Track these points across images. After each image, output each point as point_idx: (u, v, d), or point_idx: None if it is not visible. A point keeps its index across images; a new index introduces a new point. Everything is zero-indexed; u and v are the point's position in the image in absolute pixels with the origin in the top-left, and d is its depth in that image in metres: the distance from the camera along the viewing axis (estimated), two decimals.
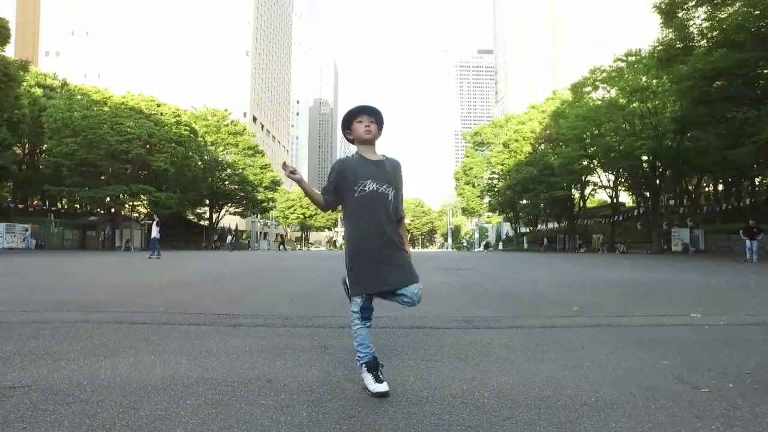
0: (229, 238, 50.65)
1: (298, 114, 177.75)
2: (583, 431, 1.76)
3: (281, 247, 54.38)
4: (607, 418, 1.88)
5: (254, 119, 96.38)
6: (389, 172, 2.28)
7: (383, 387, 2.12)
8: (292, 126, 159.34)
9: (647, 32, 29.30)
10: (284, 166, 2.36)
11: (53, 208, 39.67)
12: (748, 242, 17.27)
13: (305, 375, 2.46)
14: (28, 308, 4.71)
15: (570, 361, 2.78)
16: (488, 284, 8.13)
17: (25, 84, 33.37)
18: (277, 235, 70.11)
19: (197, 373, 2.46)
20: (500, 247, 64.34)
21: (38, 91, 37.59)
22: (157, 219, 20.46)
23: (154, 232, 19.31)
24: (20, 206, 35.44)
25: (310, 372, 2.51)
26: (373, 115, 2.31)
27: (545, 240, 46.86)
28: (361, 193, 2.21)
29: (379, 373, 2.17)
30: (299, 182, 2.32)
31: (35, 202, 41.65)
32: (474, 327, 3.89)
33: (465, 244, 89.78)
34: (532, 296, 6.19)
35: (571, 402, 2.07)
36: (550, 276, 10.38)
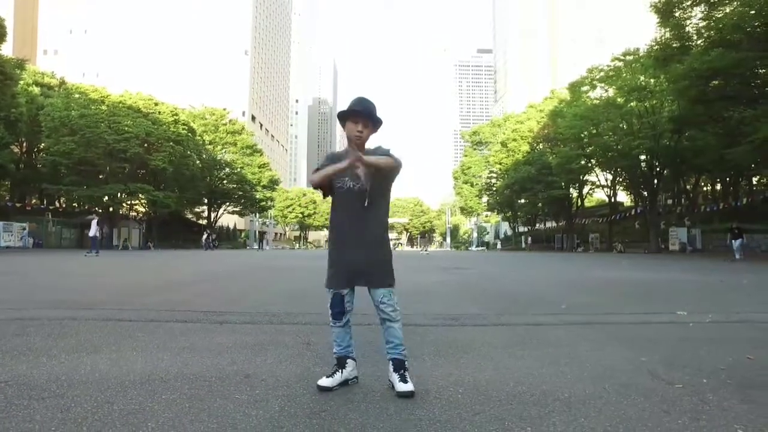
0: (205, 235, 40.59)
1: (297, 113, 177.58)
2: (551, 426, 1.77)
3: (260, 245, 53.88)
4: (578, 413, 1.90)
5: (253, 118, 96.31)
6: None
7: (323, 381, 2.17)
8: (291, 125, 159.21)
9: (647, 32, 29.19)
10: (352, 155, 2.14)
11: (51, 207, 39.57)
12: (734, 243, 18.50)
13: (284, 371, 2.47)
14: (25, 307, 4.71)
15: (549, 357, 2.79)
16: (487, 284, 8.11)
17: (22, 82, 33.29)
18: (257, 232, 68.82)
19: (176, 369, 2.47)
20: (499, 246, 64.32)
21: (36, 90, 37.49)
22: (97, 218, 20.43)
23: (93, 231, 19.35)
24: (18, 205, 35.35)
25: (289, 368, 2.53)
26: (369, 119, 2.21)
27: (530, 239, 47.14)
28: (340, 190, 2.23)
29: (338, 371, 2.20)
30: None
31: (33, 201, 41.55)
32: (459, 325, 3.90)
33: (436, 241, 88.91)
34: (531, 296, 6.17)
35: (543, 397, 2.08)
36: (548, 275, 10.39)
